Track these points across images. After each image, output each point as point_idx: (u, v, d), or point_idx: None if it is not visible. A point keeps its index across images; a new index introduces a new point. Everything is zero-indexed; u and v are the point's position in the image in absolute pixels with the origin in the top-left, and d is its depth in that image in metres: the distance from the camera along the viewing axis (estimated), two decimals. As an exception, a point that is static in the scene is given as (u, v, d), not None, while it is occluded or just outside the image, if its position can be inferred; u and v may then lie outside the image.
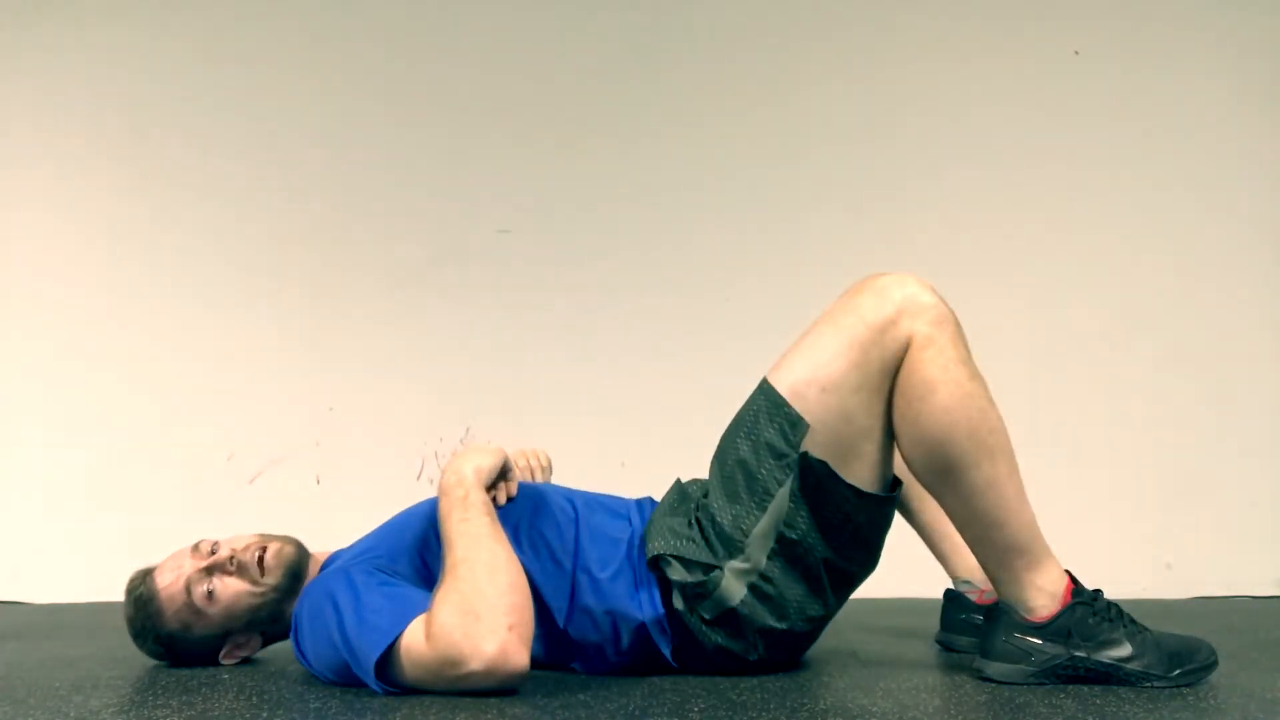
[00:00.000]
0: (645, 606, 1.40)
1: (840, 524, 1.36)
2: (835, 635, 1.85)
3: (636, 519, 1.50)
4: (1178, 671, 1.30)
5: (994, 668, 1.34)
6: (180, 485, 2.75)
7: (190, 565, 1.46)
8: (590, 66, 2.92)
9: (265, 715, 1.19)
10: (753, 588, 1.37)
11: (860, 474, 1.35)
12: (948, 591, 1.74)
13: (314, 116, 2.93)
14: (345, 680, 1.32)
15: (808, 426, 1.33)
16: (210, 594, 1.45)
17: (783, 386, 1.36)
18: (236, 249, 2.88)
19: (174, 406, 2.81)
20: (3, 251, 2.87)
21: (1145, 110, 2.81)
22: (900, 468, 1.42)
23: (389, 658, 1.25)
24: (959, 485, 1.32)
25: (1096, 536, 2.43)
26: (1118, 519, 2.62)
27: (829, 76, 2.88)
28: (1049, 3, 2.86)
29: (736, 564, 1.37)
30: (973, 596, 1.69)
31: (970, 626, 1.65)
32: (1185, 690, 1.28)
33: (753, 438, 1.37)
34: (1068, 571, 1.36)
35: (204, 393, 2.81)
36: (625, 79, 2.91)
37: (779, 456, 1.35)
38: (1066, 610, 1.31)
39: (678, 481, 1.54)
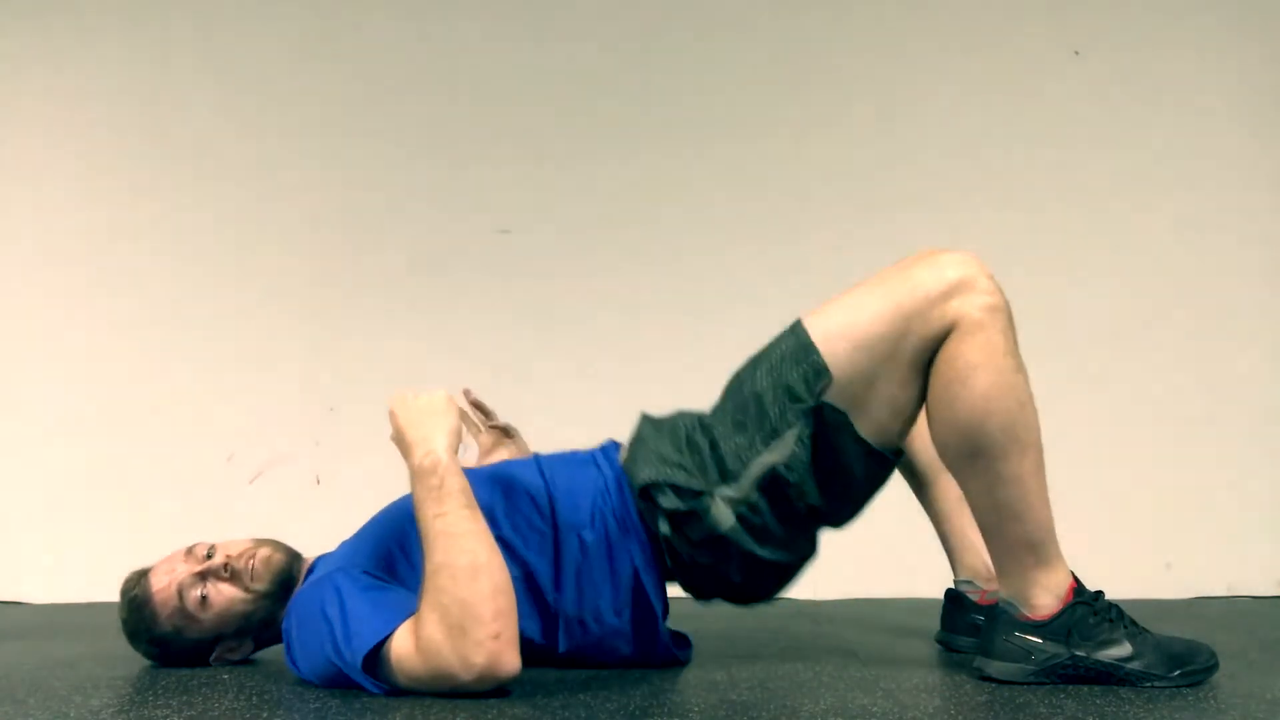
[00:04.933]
0: (634, 548, 1.41)
1: (837, 475, 1.37)
2: (835, 635, 1.86)
3: (605, 464, 1.50)
4: (1178, 672, 1.30)
5: (994, 666, 1.34)
6: (180, 485, 2.75)
7: (184, 570, 1.46)
8: (591, 66, 2.92)
9: (265, 715, 1.19)
10: (741, 517, 1.37)
11: (866, 431, 1.36)
12: (948, 591, 1.74)
13: (314, 117, 2.93)
14: (340, 687, 1.32)
15: (831, 378, 1.33)
16: (203, 599, 1.45)
17: (816, 331, 1.36)
18: (236, 249, 2.88)
19: (174, 406, 2.80)
20: (2, 251, 2.87)
21: (1146, 110, 2.80)
22: (933, 452, 1.43)
23: (378, 660, 1.26)
24: (985, 473, 1.32)
25: (1096, 536, 2.42)
26: (1118, 519, 2.62)
27: (830, 77, 2.88)
28: (1049, 3, 2.86)
29: (728, 491, 1.37)
30: (974, 596, 1.69)
31: (971, 626, 1.65)
32: (1185, 690, 1.28)
33: (774, 375, 1.38)
34: (1071, 572, 1.36)
35: (204, 393, 2.81)
36: (626, 78, 2.91)
37: (796, 400, 1.35)
38: (1067, 609, 1.31)
39: (645, 416, 1.54)
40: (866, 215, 2.81)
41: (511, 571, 1.32)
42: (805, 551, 1.45)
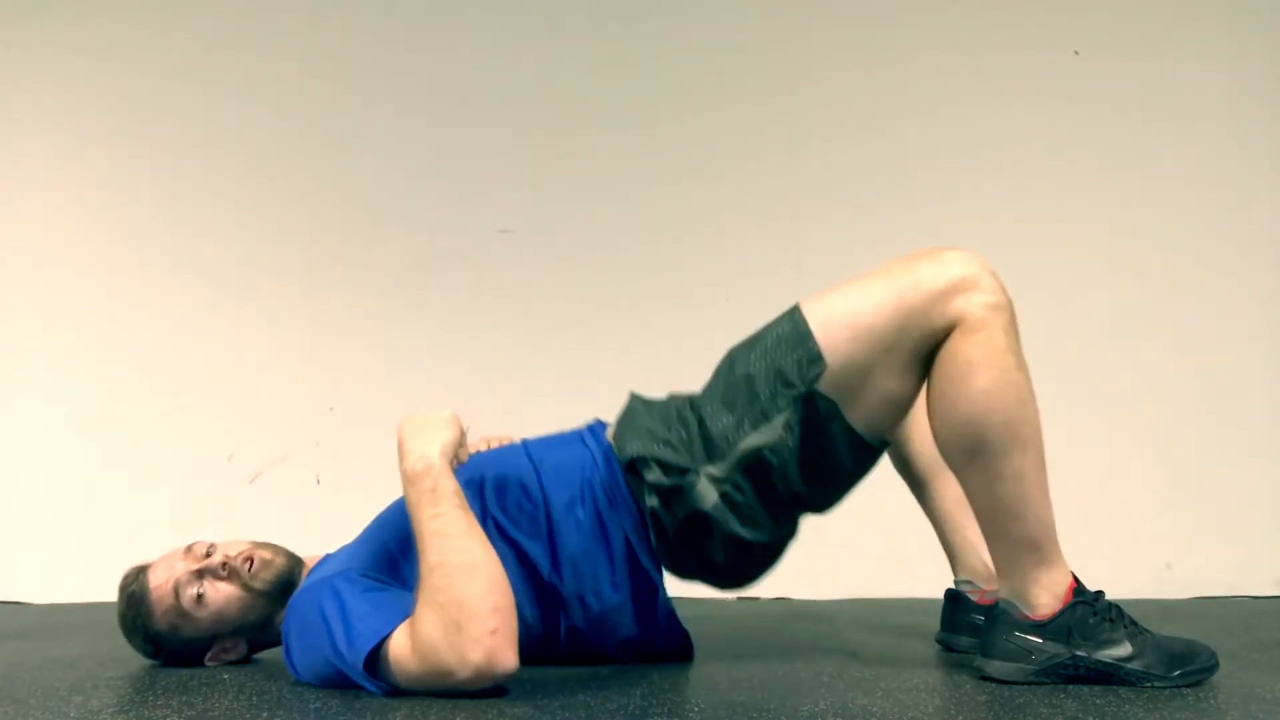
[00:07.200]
0: (625, 519, 1.42)
1: (824, 463, 1.37)
2: (835, 635, 1.86)
3: (591, 441, 1.51)
4: (1178, 672, 1.30)
5: (995, 666, 1.34)
6: (180, 485, 2.75)
7: (182, 567, 1.47)
8: (591, 65, 2.92)
9: (265, 715, 1.19)
10: (725, 496, 1.38)
11: (857, 421, 1.36)
12: (948, 591, 1.74)
13: (314, 116, 2.93)
14: (339, 688, 1.32)
15: (826, 365, 1.33)
16: (199, 598, 1.45)
17: (814, 318, 1.36)
18: (236, 248, 2.88)
19: (174, 406, 2.80)
20: (1, 250, 2.87)
21: (1146, 110, 2.80)
22: (931, 452, 1.43)
23: (378, 661, 1.26)
24: (985, 470, 1.32)
25: (1097, 536, 2.42)
26: (1118, 519, 2.62)
27: (830, 75, 2.88)
28: (1049, 3, 2.85)
29: (712, 469, 1.38)
30: (974, 596, 1.69)
31: (971, 626, 1.65)
32: (1185, 690, 1.28)
33: (768, 359, 1.38)
34: (1071, 572, 1.36)
35: (204, 393, 2.81)
36: (626, 77, 2.91)
37: (787, 385, 1.35)
38: (1067, 609, 1.31)
39: (634, 395, 1.55)
40: (866, 215, 2.81)
41: (506, 555, 1.35)
42: (786, 534, 1.46)
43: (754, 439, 1.36)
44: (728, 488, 1.38)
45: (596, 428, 1.55)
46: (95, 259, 2.87)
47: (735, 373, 1.41)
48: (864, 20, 2.90)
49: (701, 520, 1.39)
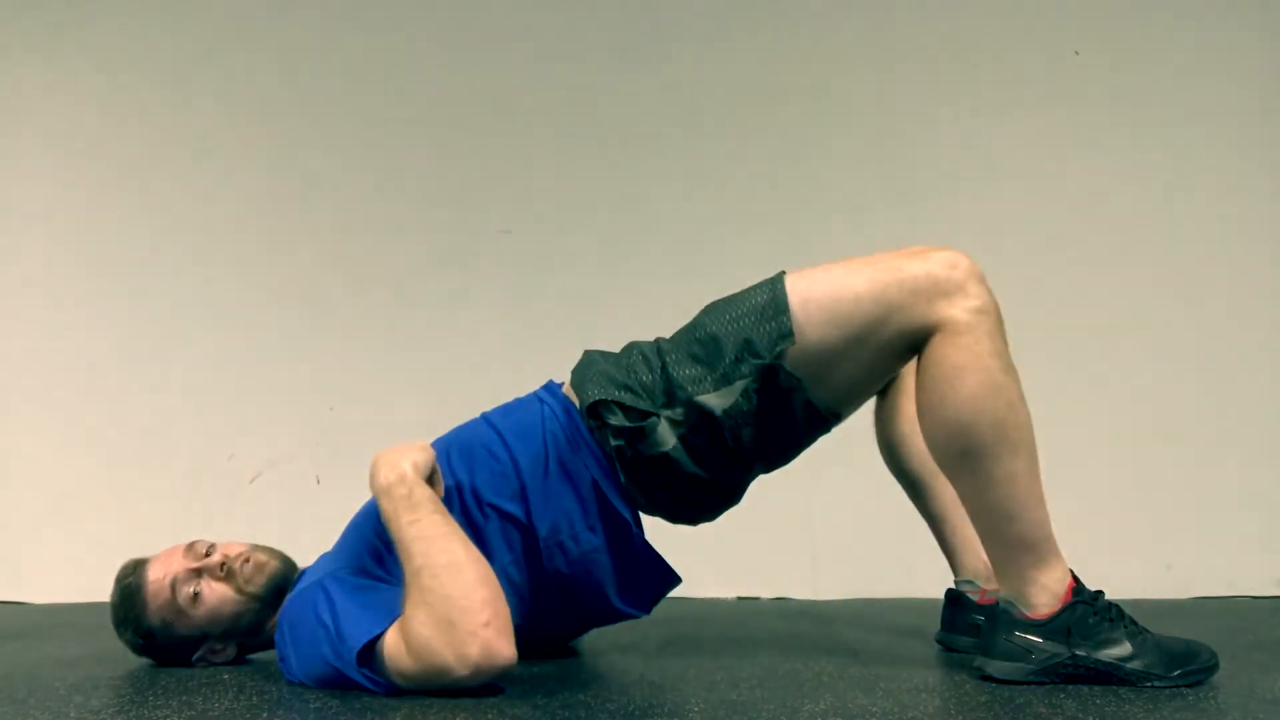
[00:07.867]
0: (589, 460, 1.45)
1: (778, 429, 1.40)
2: (835, 635, 1.86)
3: (548, 397, 1.54)
4: (1178, 672, 1.30)
5: (995, 666, 1.34)
6: (180, 485, 2.75)
7: (180, 564, 1.48)
8: (591, 66, 2.92)
9: (265, 715, 1.19)
10: (683, 439, 1.40)
11: (818, 398, 1.39)
12: (949, 591, 1.74)
13: (314, 117, 2.93)
14: (339, 688, 1.32)
15: (794, 343, 1.35)
16: (195, 596, 1.46)
17: (795, 294, 1.38)
18: (236, 249, 2.88)
19: (174, 406, 2.80)
20: (3, 251, 2.87)
21: (1146, 110, 2.80)
22: (925, 455, 1.44)
23: (373, 658, 1.26)
24: (977, 473, 1.32)
25: (1096, 536, 2.42)
26: (1117, 519, 2.62)
27: (828, 79, 2.88)
28: (1049, 3, 2.85)
29: (671, 414, 1.40)
30: (974, 596, 1.69)
31: (971, 627, 1.65)
32: (1185, 690, 1.28)
33: (740, 323, 1.40)
34: (1070, 571, 1.36)
35: (204, 393, 2.81)
36: (626, 79, 2.91)
37: (754, 355, 1.37)
38: (1067, 609, 1.31)
39: (589, 350, 1.57)
40: (866, 215, 2.81)
41: (491, 521, 1.40)
42: (745, 477, 1.49)
43: (711, 399, 1.39)
44: (685, 431, 1.40)
45: (551, 385, 1.58)
46: (97, 261, 2.87)
47: (707, 329, 1.43)
48: (860, 26, 2.89)
49: (663, 460, 1.42)
